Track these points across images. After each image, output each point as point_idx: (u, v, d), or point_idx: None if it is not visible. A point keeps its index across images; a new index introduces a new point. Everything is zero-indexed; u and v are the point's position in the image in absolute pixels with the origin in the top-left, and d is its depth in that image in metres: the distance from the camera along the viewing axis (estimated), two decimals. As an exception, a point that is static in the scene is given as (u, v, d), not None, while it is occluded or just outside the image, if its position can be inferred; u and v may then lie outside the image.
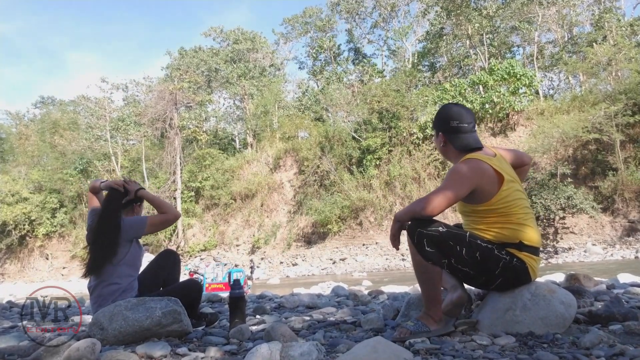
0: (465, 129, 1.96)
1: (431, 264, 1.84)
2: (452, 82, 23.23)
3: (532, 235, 1.89)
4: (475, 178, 1.83)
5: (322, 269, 19.53)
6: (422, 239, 1.83)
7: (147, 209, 2.74)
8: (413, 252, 1.87)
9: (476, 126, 2.07)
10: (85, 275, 2.36)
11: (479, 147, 1.96)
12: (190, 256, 23.78)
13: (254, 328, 2.37)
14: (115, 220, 2.36)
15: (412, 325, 1.86)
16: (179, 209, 24.83)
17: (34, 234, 27.12)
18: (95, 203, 2.55)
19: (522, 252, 1.86)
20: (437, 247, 1.82)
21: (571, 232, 17.29)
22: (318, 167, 23.51)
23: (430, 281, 1.88)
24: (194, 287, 2.48)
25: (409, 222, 1.88)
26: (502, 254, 1.84)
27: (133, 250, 2.39)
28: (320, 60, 35.40)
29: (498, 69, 21.00)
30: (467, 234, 1.87)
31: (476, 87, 22.49)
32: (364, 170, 22.52)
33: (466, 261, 1.84)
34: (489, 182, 1.85)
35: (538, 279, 2.04)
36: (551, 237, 17.39)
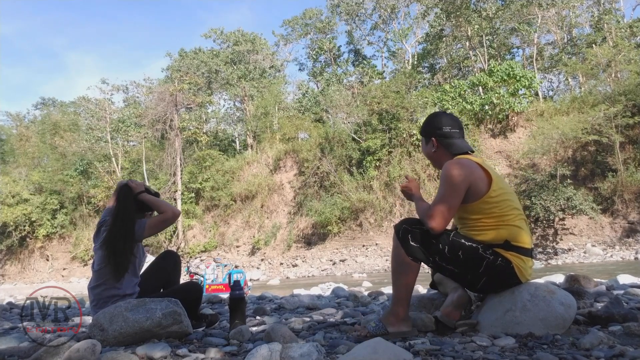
0: (457, 134, 2.06)
1: (411, 260, 1.88)
2: (452, 84, 23.26)
3: (520, 235, 1.90)
4: (468, 176, 1.88)
5: (322, 270, 19.54)
6: (406, 234, 1.89)
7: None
8: (396, 246, 1.92)
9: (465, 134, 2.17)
10: (118, 278, 2.29)
11: (471, 151, 2.05)
12: (191, 257, 23.76)
13: (254, 329, 2.37)
14: (130, 215, 2.35)
15: (372, 327, 1.91)
16: (179, 209, 24.78)
17: (34, 235, 27.10)
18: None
19: (509, 252, 1.87)
20: (421, 243, 1.87)
21: (571, 233, 17.29)
22: (318, 168, 23.52)
23: (404, 277, 1.91)
24: (194, 288, 2.48)
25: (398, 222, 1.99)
26: (487, 253, 1.86)
27: (136, 258, 2.39)
28: (320, 61, 35.44)
29: (498, 71, 21.02)
30: (452, 233, 1.90)
31: (476, 88, 22.51)
32: (363, 171, 22.52)
33: (449, 259, 1.87)
34: (479, 179, 1.90)
35: (538, 280, 2.05)
36: (551, 238, 17.39)
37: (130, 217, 2.36)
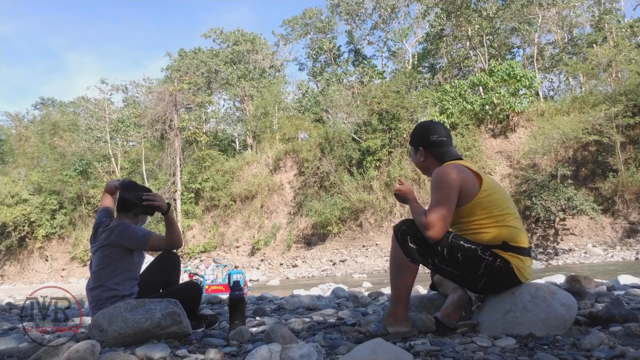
0: (445, 142, 2.06)
1: (409, 261, 1.88)
2: (452, 84, 23.26)
3: (517, 236, 1.90)
4: (459, 178, 1.89)
5: (322, 271, 19.54)
6: (405, 236, 1.89)
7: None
8: (394, 247, 1.92)
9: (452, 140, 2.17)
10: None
11: (459, 158, 2.05)
12: (190, 258, 23.78)
13: (253, 330, 2.37)
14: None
15: (372, 328, 1.91)
16: (178, 209, 24.86)
17: (33, 235, 27.10)
18: (108, 203, 2.54)
19: (507, 253, 1.87)
20: (419, 245, 1.87)
21: (571, 234, 17.29)
22: (318, 168, 23.52)
23: (402, 278, 1.91)
24: (193, 288, 2.47)
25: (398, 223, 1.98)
26: (486, 255, 1.85)
27: (135, 259, 2.37)
28: (320, 61, 35.45)
29: (498, 70, 21.02)
30: (451, 235, 1.90)
31: (476, 88, 22.51)
32: (364, 171, 22.53)
33: (449, 261, 1.87)
34: (469, 181, 1.90)
35: (538, 281, 2.04)
36: (551, 238, 17.39)
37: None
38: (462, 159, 2.06)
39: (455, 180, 1.87)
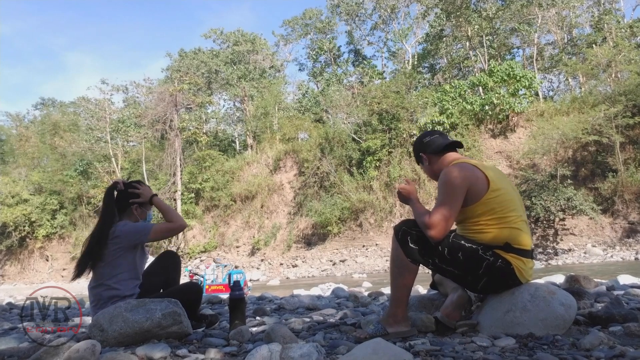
0: (438, 138, 2.10)
1: (410, 261, 1.88)
2: (452, 84, 23.26)
3: (520, 237, 1.90)
4: (467, 177, 1.88)
5: (322, 271, 19.54)
6: (406, 236, 1.89)
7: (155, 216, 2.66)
8: (395, 247, 1.92)
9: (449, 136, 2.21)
10: (73, 279, 2.34)
11: (453, 142, 2.07)
12: (191, 258, 23.78)
13: (254, 329, 2.37)
14: (108, 217, 2.33)
15: (371, 329, 1.92)
16: (179, 210, 24.84)
17: (34, 235, 27.12)
18: None
19: (509, 254, 1.87)
20: (420, 245, 1.87)
21: (571, 234, 17.29)
22: (318, 168, 23.52)
23: (402, 279, 1.91)
24: (194, 288, 2.47)
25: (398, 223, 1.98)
26: (487, 254, 1.86)
27: (136, 258, 2.37)
28: (320, 62, 35.46)
29: (498, 71, 21.02)
30: (451, 235, 1.90)
31: (476, 88, 22.52)
32: (363, 171, 22.53)
33: (449, 261, 1.88)
34: (478, 181, 1.89)
35: (538, 281, 2.05)
36: (551, 238, 17.39)
37: (110, 222, 2.33)
38: (459, 143, 2.10)
39: (460, 179, 1.87)
